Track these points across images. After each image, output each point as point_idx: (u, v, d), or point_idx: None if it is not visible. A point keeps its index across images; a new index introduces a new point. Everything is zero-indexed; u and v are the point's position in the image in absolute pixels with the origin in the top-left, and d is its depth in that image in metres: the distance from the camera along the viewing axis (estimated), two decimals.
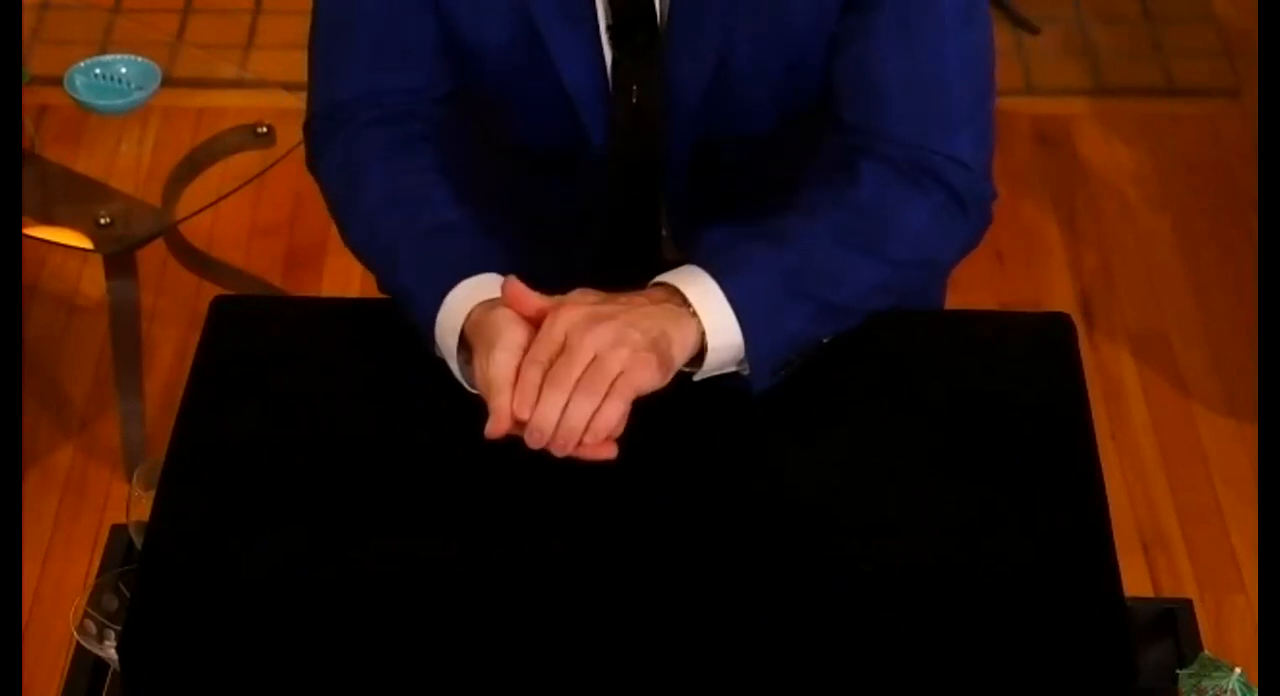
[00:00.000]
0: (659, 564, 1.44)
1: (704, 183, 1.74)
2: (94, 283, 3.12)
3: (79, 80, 2.90)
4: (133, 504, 1.63)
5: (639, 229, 1.81)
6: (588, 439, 1.45)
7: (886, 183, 1.59)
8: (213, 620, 1.40)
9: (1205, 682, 1.51)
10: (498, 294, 1.51)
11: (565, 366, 1.45)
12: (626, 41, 1.65)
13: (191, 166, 2.96)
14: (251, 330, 1.65)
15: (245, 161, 2.95)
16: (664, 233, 1.81)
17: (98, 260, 2.90)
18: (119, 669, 1.45)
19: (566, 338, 1.46)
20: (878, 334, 1.62)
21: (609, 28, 1.65)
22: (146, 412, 2.89)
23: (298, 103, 3.08)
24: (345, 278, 3.25)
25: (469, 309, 1.52)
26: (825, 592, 1.42)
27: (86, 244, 2.81)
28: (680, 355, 1.50)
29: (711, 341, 1.51)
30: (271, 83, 3.33)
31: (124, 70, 2.93)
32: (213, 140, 3.02)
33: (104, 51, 2.99)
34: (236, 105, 3.16)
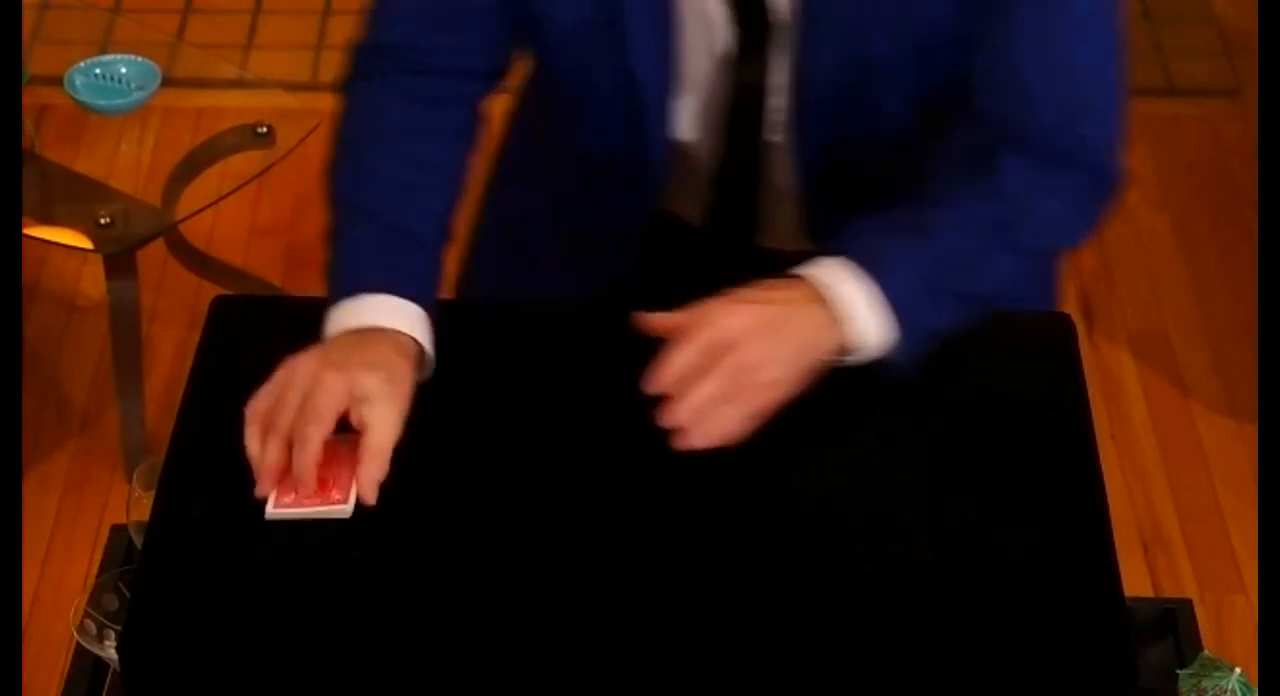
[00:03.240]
0: (659, 563, 1.44)
1: (835, 179, 1.73)
2: (94, 282, 3.12)
3: (79, 80, 2.90)
4: (133, 504, 1.63)
5: (738, 224, 1.80)
6: (705, 441, 1.46)
7: (1028, 173, 1.59)
8: (213, 620, 1.40)
9: (1205, 682, 1.51)
10: (388, 321, 1.51)
11: (733, 364, 1.46)
12: (746, 24, 1.63)
13: (191, 166, 2.96)
14: (251, 330, 1.65)
15: (245, 161, 2.95)
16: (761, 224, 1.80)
17: (98, 260, 2.90)
18: (119, 669, 1.45)
19: (733, 335, 1.47)
20: None
21: (732, 9, 1.62)
22: (146, 412, 2.89)
23: (298, 103, 3.09)
24: None
25: (355, 324, 1.52)
26: (825, 592, 1.42)
27: (86, 244, 2.81)
28: (824, 358, 1.51)
29: (859, 341, 1.51)
30: (271, 83, 3.34)
31: (124, 70, 2.93)
32: (213, 140, 3.02)
33: (104, 51, 2.99)
34: (236, 105, 3.16)
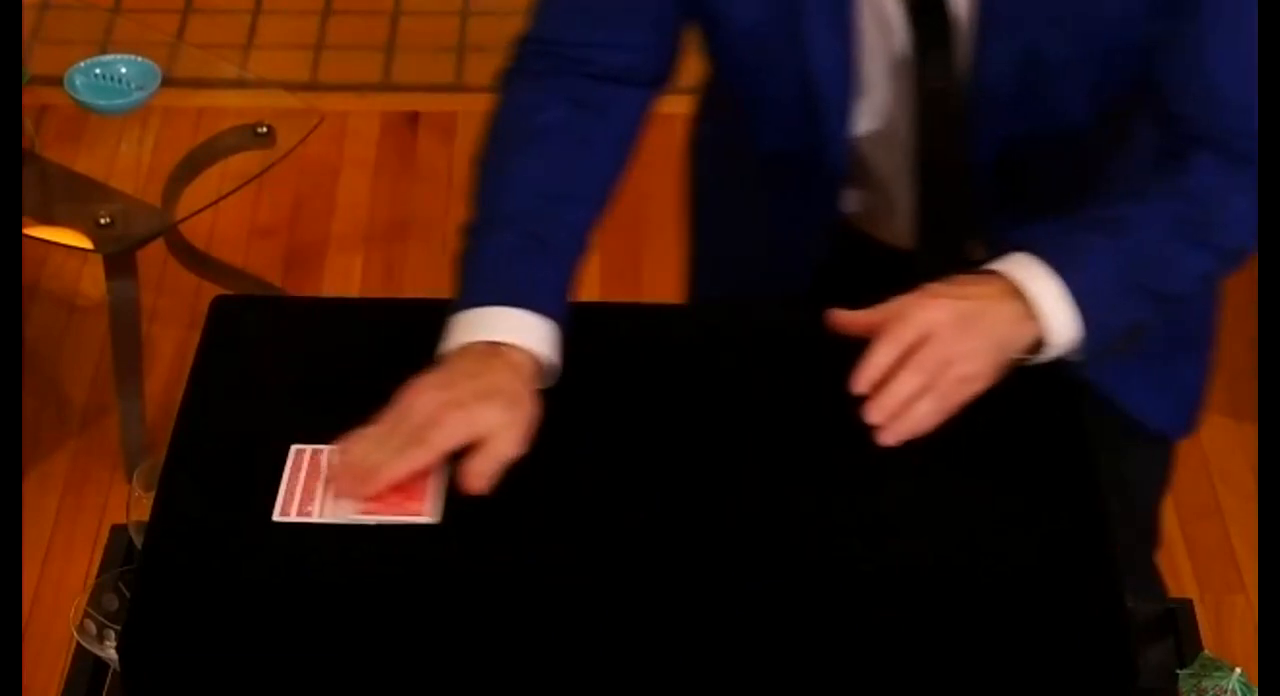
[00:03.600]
0: (659, 563, 1.44)
1: (1010, 182, 1.71)
2: (94, 282, 3.13)
3: (79, 80, 2.90)
4: (133, 504, 1.62)
5: (945, 229, 1.78)
6: (902, 435, 1.47)
7: (1217, 172, 1.58)
8: (213, 620, 1.40)
9: (1205, 682, 1.51)
10: (509, 337, 1.51)
11: (930, 358, 1.46)
12: (924, 25, 1.62)
13: (191, 166, 2.96)
14: (251, 330, 1.65)
15: (245, 161, 2.95)
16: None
17: (98, 260, 2.90)
18: (119, 669, 1.45)
19: (931, 330, 1.47)
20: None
21: (909, 9, 1.61)
22: (146, 412, 2.89)
23: (298, 103, 3.09)
24: (345, 278, 3.25)
25: (478, 337, 1.52)
26: (825, 592, 1.42)
27: (86, 244, 2.81)
28: (1015, 356, 1.51)
29: (1051, 339, 1.51)
30: (271, 83, 3.34)
31: (124, 70, 2.93)
32: (213, 140, 3.02)
33: (104, 51, 3.00)
34: (236, 105, 3.16)
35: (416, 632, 1.39)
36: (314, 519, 1.45)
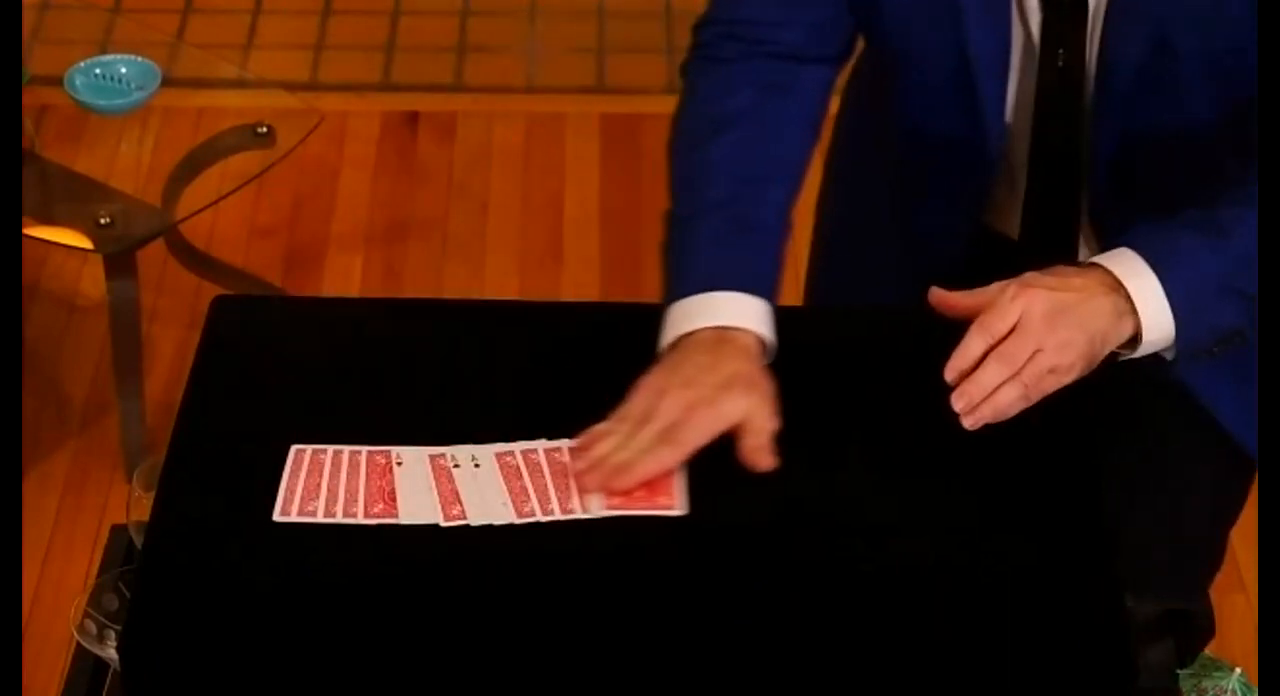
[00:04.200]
0: (659, 563, 1.44)
1: (1126, 179, 1.70)
2: (94, 282, 3.12)
3: (79, 80, 2.90)
4: (133, 504, 1.62)
5: (1055, 222, 1.78)
6: (983, 420, 1.47)
7: None
8: (213, 619, 1.40)
9: (1205, 682, 1.51)
10: (734, 321, 1.54)
11: (1019, 348, 1.46)
12: (1057, 5, 1.62)
13: (191, 166, 2.96)
14: (251, 330, 1.65)
15: (245, 161, 2.95)
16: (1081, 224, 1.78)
17: (98, 260, 2.90)
18: (119, 669, 1.45)
19: (1023, 320, 1.47)
20: (878, 333, 1.62)
21: None
22: (146, 412, 2.89)
23: (298, 103, 3.09)
24: (345, 278, 3.25)
25: (704, 324, 1.54)
26: (825, 592, 1.42)
27: (86, 244, 2.81)
28: (1107, 352, 1.51)
29: (1145, 337, 1.51)
30: (271, 83, 3.34)
31: (124, 70, 2.93)
32: (213, 140, 3.02)
33: (104, 51, 2.99)
34: (236, 105, 3.16)
35: (416, 633, 1.39)
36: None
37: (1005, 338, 1.47)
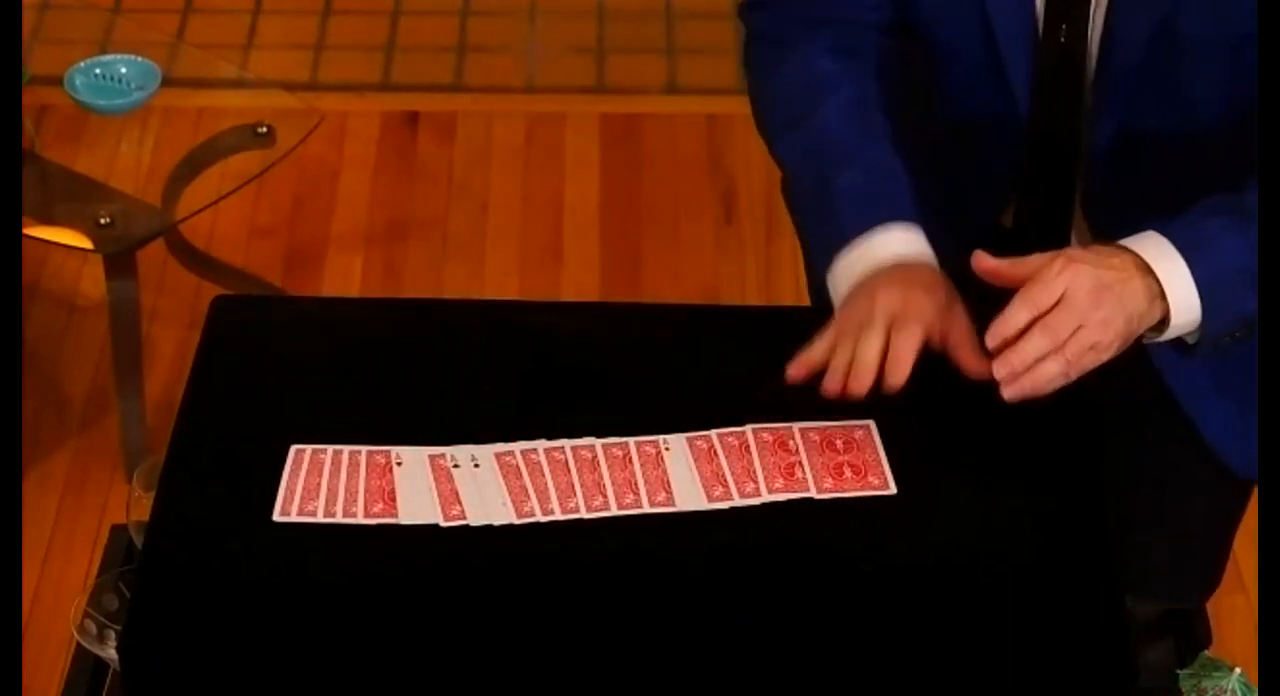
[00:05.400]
0: (659, 563, 1.44)
1: (1125, 170, 1.70)
2: (94, 282, 3.12)
3: (79, 80, 2.90)
4: (133, 504, 1.62)
5: (1050, 204, 1.78)
6: (1024, 392, 1.47)
7: None
8: (213, 620, 1.40)
9: (1205, 682, 1.51)
10: (909, 250, 1.57)
11: (1063, 323, 1.47)
12: None
13: (191, 166, 2.96)
14: (251, 330, 1.65)
15: (245, 161, 2.94)
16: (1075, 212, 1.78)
17: (98, 260, 2.90)
18: (119, 669, 1.45)
19: (1068, 294, 1.47)
20: None
21: None
22: (146, 412, 2.89)
23: (298, 103, 3.09)
24: (345, 278, 3.25)
25: (880, 259, 1.57)
26: (826, 592, 1.42)
27: (86, 244, 2.81)
28: (1139, 333, 1.51)
29: (1174, 319, 1.52)
30: (271, 83, 3.34)
31: (124, 70, 2.93)
32: (213, 140, 3.02)
33: (104, 51, 2.99)
34: (236, 105, 3.16)
35: (416, 633, 1.39)
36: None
37: (1049, 310, 1.47)
